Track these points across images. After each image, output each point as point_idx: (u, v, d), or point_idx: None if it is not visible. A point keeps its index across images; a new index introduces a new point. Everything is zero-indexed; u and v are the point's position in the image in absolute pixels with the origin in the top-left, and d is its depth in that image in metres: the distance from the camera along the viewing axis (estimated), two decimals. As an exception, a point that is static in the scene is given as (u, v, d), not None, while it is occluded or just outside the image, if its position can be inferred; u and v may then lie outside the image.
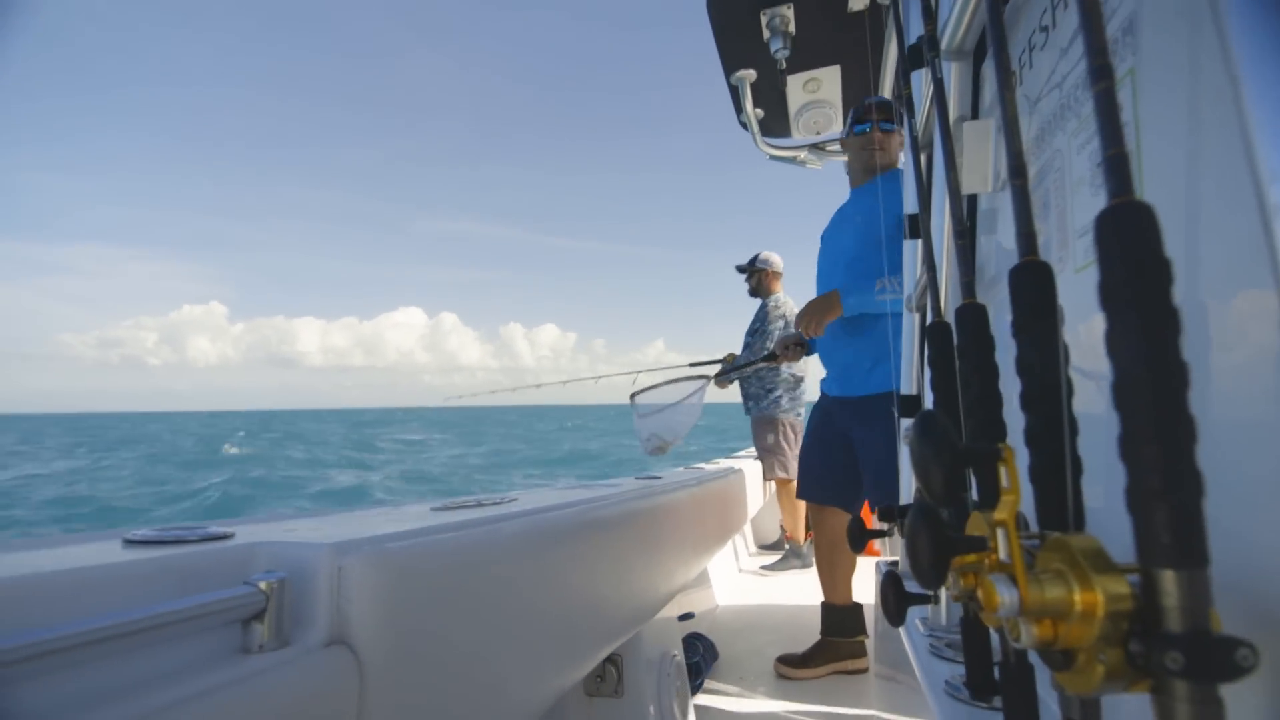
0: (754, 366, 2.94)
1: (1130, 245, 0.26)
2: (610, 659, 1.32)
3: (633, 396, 2.86)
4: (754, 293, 3.51)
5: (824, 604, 2.14)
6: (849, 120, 1.98)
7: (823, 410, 2.14)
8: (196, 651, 0.47)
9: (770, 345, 3.25)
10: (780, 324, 3.34)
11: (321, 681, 0.51)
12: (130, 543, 0.55)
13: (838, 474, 2.04)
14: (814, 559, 3.34)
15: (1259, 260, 0.29)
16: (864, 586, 2.23)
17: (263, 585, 0.51)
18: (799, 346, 2.31)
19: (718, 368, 3.21)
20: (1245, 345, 0.33)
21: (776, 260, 3.50)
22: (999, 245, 0.80)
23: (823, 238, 2.11)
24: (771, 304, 3.41)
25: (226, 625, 0.49)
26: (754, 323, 3.45)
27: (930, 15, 0.62)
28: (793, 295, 3.50)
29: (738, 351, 3.40)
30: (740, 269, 3.54)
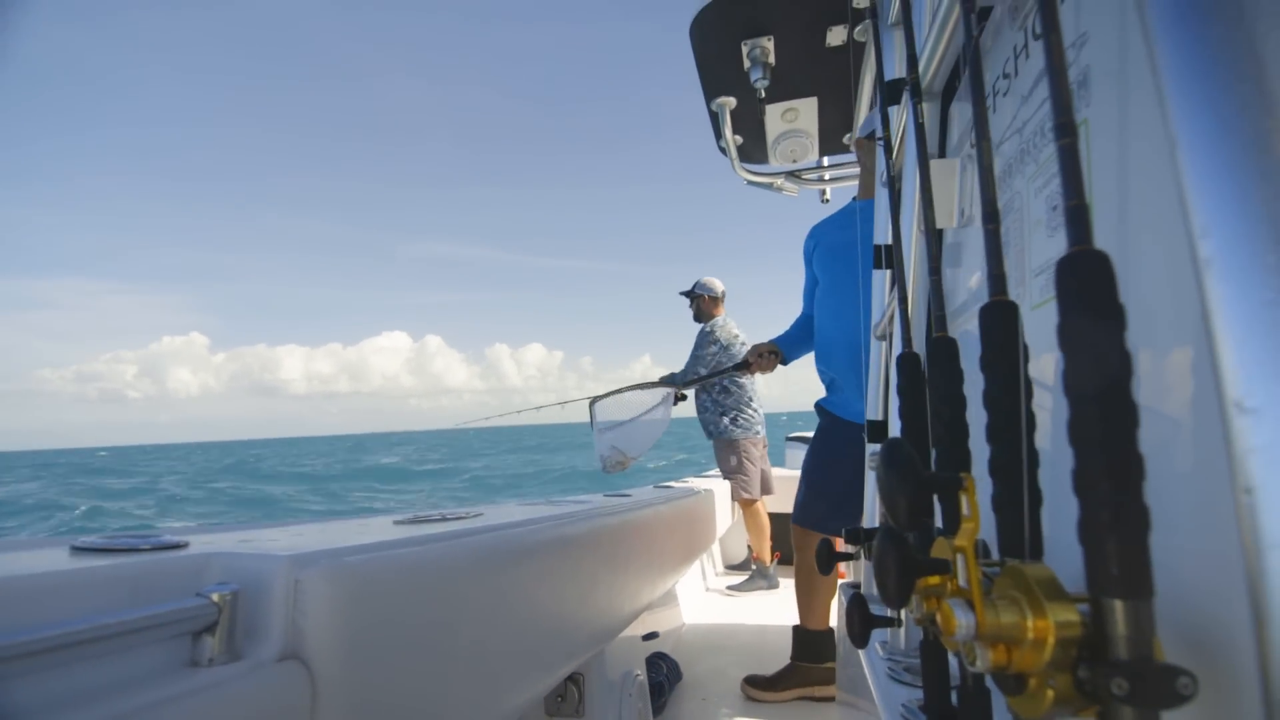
0: (725, 374, 2.91)
1: (1088, 292, 0.28)
2: (572, 678, 1.30)
3: (592, 403, 2.71)
4: (696, 317, 3.59)
5: (797, 628, 2.12)
6: (865, 123, 1.89)
7: (833, 435, 2.05)
8: (143, 664, 0.46)
9: (702, 370, 3.31)
10: (714, 349, 3.40)
11: (272, 698, 0.50)
12: (78, 550, 0.53)
13: (838, 500, 2.00)
14: (779, 580, 3.37)
15: (1190, 307, 0.31)
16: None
17: (215, 597, 0.49)
18: (773, 355, 2.32)
19: (684, 378, 3.24)
20: (1179, 390, 0.35)
21: (716, 285, 3.59)
22: (961, 279, 0.83)
23: (827, 242, 2.06)
24: (708, 329, 3.47)
25: (176, 638, 0.48)
26: (692, 349, 3.50)
27: (913, 60, 0.65)
28: (787, 299, 3.46)
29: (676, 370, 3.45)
30: (684, 294, 3.66)
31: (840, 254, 2.00)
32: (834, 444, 2.05)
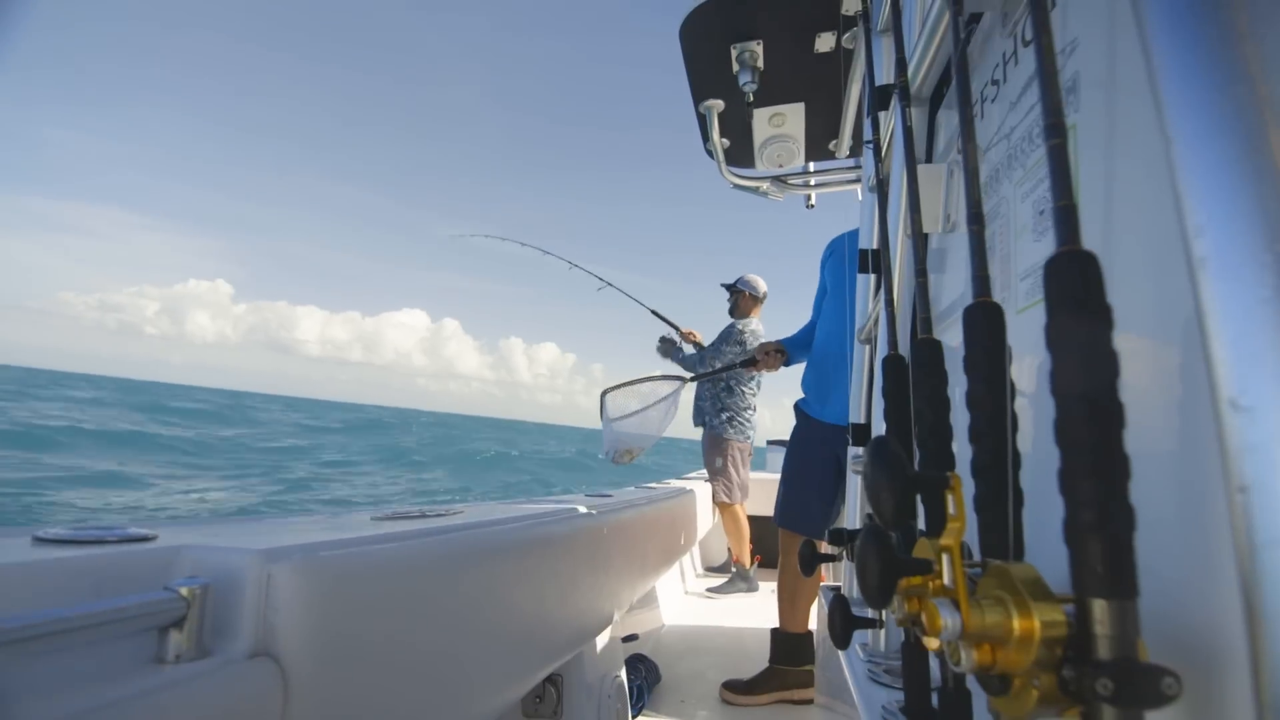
0: (731, 369, 2.93)
1: (1075, 292, 0.28)
2: (550, 679, 1.29)
3: (604, 394, 2.70)
4: (731, 312, 3.53)
5: (776, 630, 2.13)
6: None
7: (809, 434, 2.11)
8: (107, 660, 0.44)
9: (717, 364, 3.32)
10: (736, 349, 3.38)
11: (242, 696, 0.48)
12: (41, 541, 0.51)
13: (823, 503, 2.03)
14: (759, 583, 3.38)
15: (1182, 307, 0.31)
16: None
17: (184, 591, 0.48)
18: (778, 354, 2.34)
19: (692, 372, 3.28)
20: (1166, 390, 0.35)
21: (759, 285, 3.51)
22: (947, 283, 0.83)
23: (840, 252, 2.09)
24: (737, 327, 3.44)
25: (142, 632, 0.46)
26: (715, 339, 3.48)
27: (902, 66, 0.65)
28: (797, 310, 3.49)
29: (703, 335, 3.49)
30: (725, 286, 3.58)
31: (849, 261, 2.04)
32: (807, 444, 2.11)
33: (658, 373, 2.84)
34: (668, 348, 3.50)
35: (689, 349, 3.51)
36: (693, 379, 2.93)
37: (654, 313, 3.59)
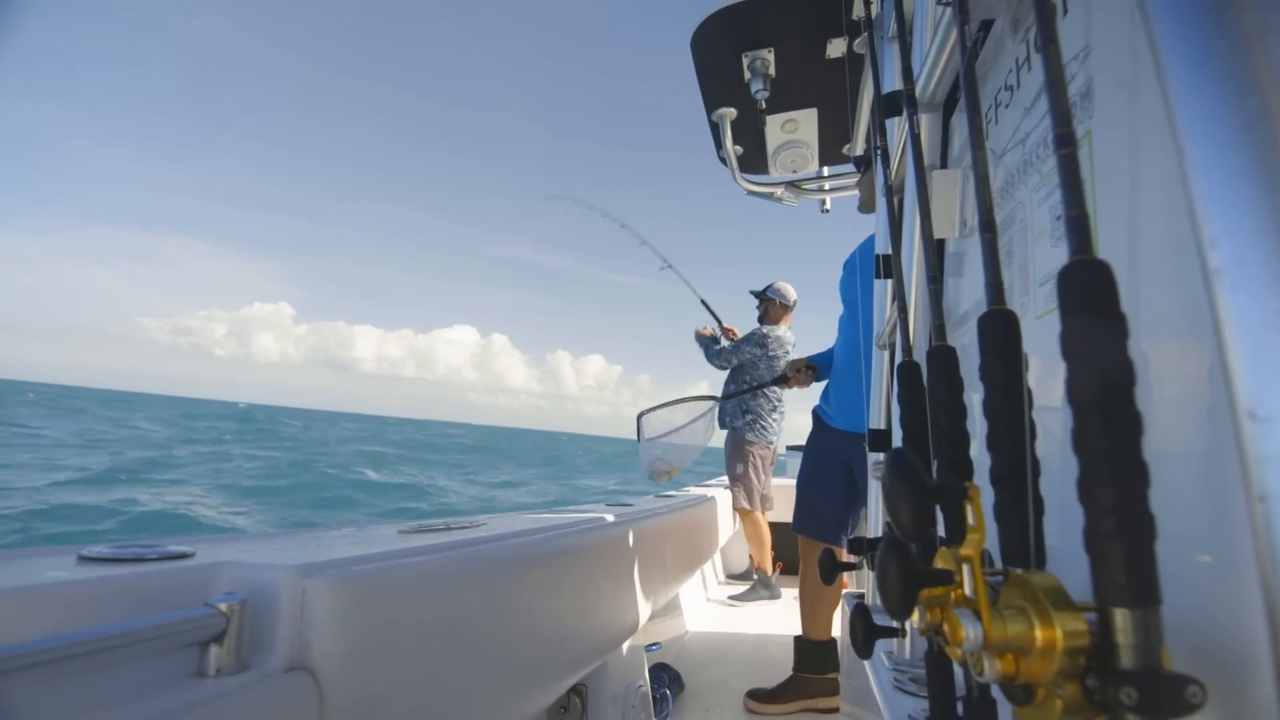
0: (763, 387, 2.95)
1: (1090, 300, 0.28)
2: (575, 689, 1.29)
3: (640, 416, 2.76)
4: (761, 320, 3.52)
5: (799, 638, 2.12)
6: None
7: (824, 441, 2.12)
8: (150, 674, 0.46)
9: (734, 360, 3.33)
10: (756, 351, 3.37)
11: (279, 709, 0.50)
12: (85, 559, 0.53)
13: (837, 509, 2.04)
14: (781, 590, 3.35)
15: (1200, 317, 0.31)
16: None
17: (223, 607, 0.49)
18: (810, 370, 2.34)
19: (711, 361, 3.33)
20: (1190, 398, 0.35)
21: (788, 293, 3.49)
22: (965, 288, 0.83)
23: (850, 262, 2.09)
24: (762, 331, 3.42)
25: (183, 648, 0.48)
26: (739, 339, 3.48)
27: (908, 73, 0.65)
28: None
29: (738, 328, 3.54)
30: (754, 293, 3.58)
31: (852, 266, 2.05)
32: (822, 450, 2.12)
33: (692, 394, 2.90)
34: (702, 338, 3.56)
35: (723, 342, 3.53)
36: (725, 398, 2.97)
37: (703, 303, 3.66)
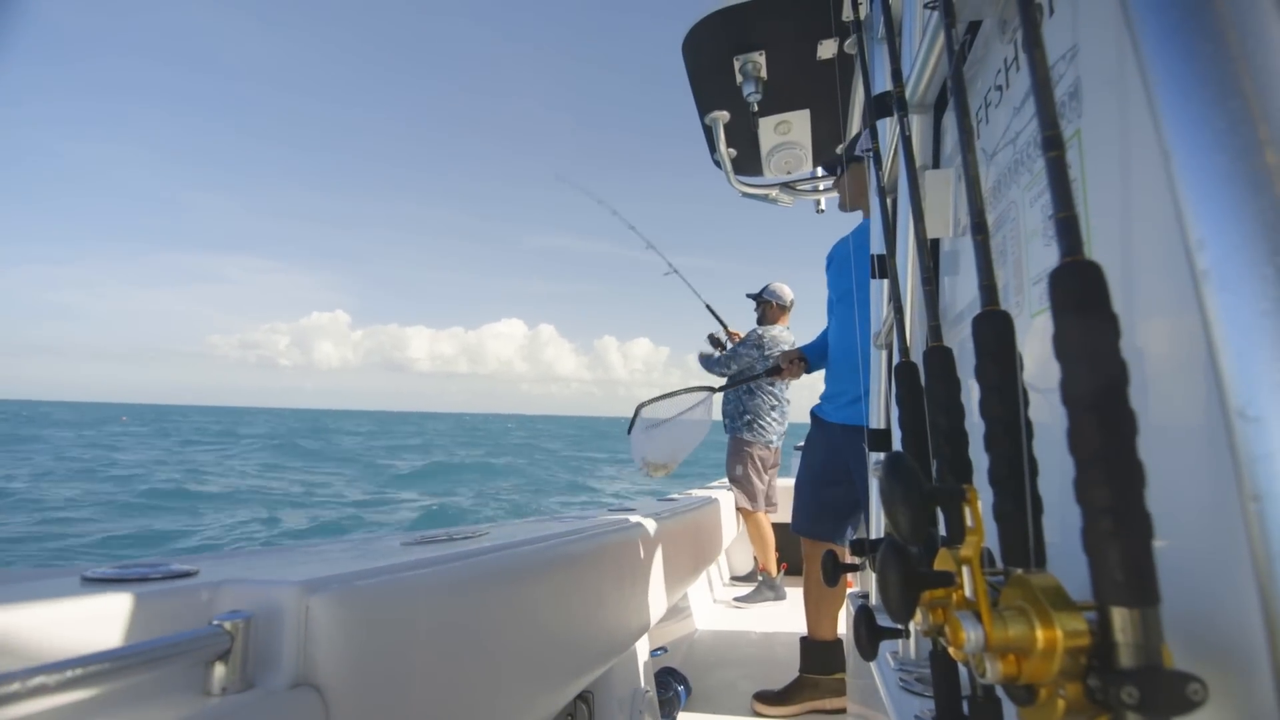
0: (758, 379, 2.93)
1: (1081, 301, 0.28)
2: (581, 696, 1.29)
3: (639, 408, 2.70)
4: (759, 321, 3.52)
5: (805, 639, 2.12)
6: (855, 145, 1.93)
7: (820, 440, 2.13)
8: (156, 694, 0.46)
9: (735, 367, 3.33)
10: (754, 353, 3.36)
11: None
12: (89, 580, 0.53)
13: (838, 509, 2.03)
14: (786, 591, 3.35)
15: (1191, 317, 0.31)
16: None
17: (228, 625, 0.49)
18: (800, 361, 2.33)
19: (713, 371, 3.32)
20: (1185, 397, 0.35)
21: (784, 293, 3.49)
22: (961, 287, 0.83)
23: (832, 259, 2.12)
24: (757, 333, 3.42)
25: (189, 667, 0.48)
26: (737, 344, 3.48)
27: (898, 75, 0.66)
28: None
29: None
30: (750, 296, 3.58)
31: (844, 266, 2.06)
32: (820, 449, 2.12)
33: (692, 384, 2.86)
34: (711, 343, 3.57)
35: (715, 350, 3.53)
36: (720, 389, 2.94)
37: (708, 307, 3.65)
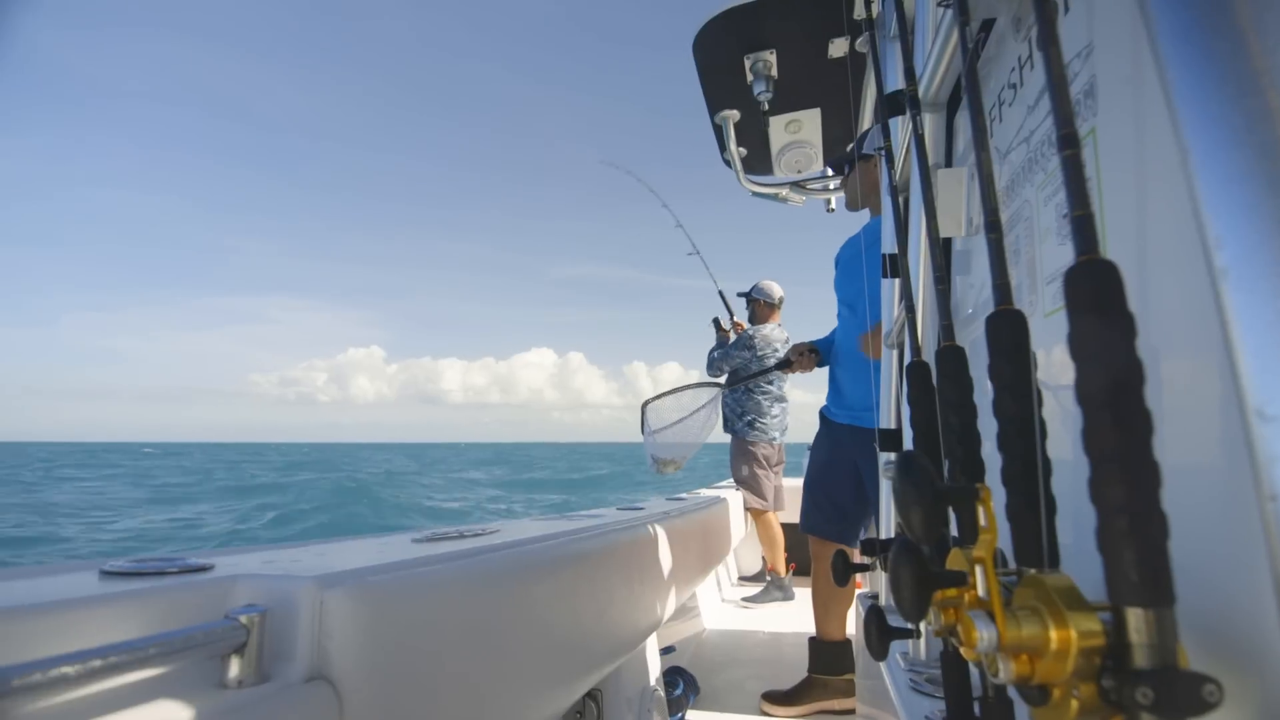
0: (768, 372, 2.92)
1: (1096, 300, 0.28)
2: (590, 694, 1.29)
3: (645, 405, 2.71)
4: (750, 320, 3.54)
5: (813, 640, 2.11)
6: (863, 143, 1.95)
7: (828, 439, 2.13)
8: (173, 686, 0.46)
9: (725, 367, 3.34)
10: (746, 354, 3.37)
11: (301, 718, 0.50)
12: (107, 574, 0.54)
13: (845, 508, 2.03)
14: (795, 591, 3.33)
15: (1208, 316, 0.31)
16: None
17: (243, 619, 0.50)
18: (812, 354, 2.32)
19: (712, 369, 3.33)
20: (1202, 397, 0.35)
21: (773, 291, 3.51)
22: (973, 286, 0.83)
23: (840, 259, 2.11)
24: (749, 333, 3.43)
25: (205, 660, 0.48)
26: (730, 345, 3.48)
27: (910, 74, 0.65)
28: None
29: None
30: (741, 295, 3.59)
31: (850, 268, 2.07)
32: (827, 449, 2.12)
33: (695, 380, 2.87)
34: (715, 325, 3.59)
35: (715, 353, 3.54)
36: (728, 385, 2.94)
37: (720, 294, 3.68)
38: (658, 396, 2.74)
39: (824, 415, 2.17)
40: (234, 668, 0.49)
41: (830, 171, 2.38)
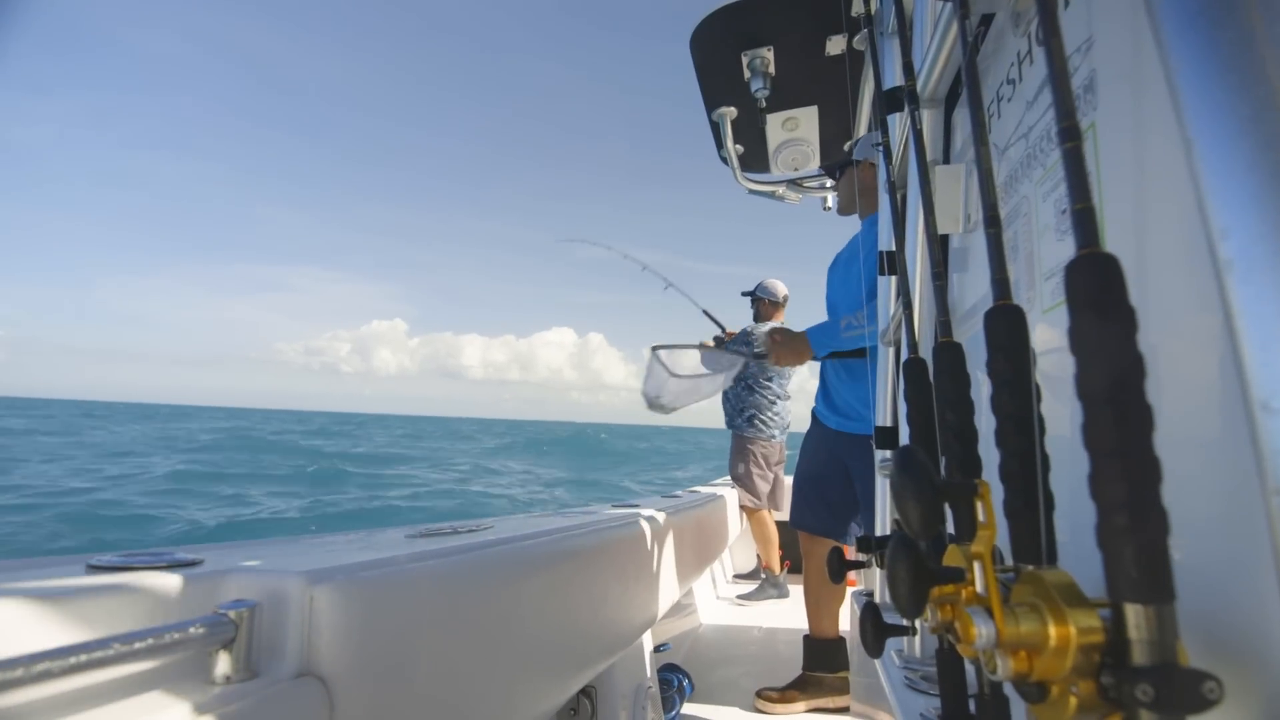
0: (756, 357, 2.88)
1: (1097, 294, 0.28)
2: (584, 691, 1.29)
3: (655, 348, 2.61)
4: (754, 319, 3.54)
5: (807, 637, 2.12)
6: (856, 146, 1.95)
7: (819, 439, 2.13)
8: (161, 681, 0.46)
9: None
10: (744, 349, 3.38)
11: (289, 714, 0.50)
12: (94, 568, 0.54)
13: (834, 505, 2.04)
14: (789, 589, 3.34)
15: (1211, 308, 0.31)
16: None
17: (232, 614, 0.49)
18: (788, 338, 2.30)
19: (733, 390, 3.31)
20: (1203, 391, 0.34)
21: (777, 289, 3.51)
22: (970, 283, 0.83)
23: (836, 264, 2.11)
24: (747, 329, 3.44)
25: (194, 655, 0.48)
26: (730, 340, 3.49)
27: (909, 70, 0.65)
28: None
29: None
30: (745, 294, 3.59)
31: (845, 275, 2.07)
32: (816, 447, 2.13)
33: (710, 342, 2.82)
34: (716, 344, 3.59)
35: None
36: (754, 357, 2.87)
37: (705, 312, 3.67)
38: (668, 346, 2.62)
39: (814, 415, 2.18)
40: (222, 663, 0.48)
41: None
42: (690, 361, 2.66)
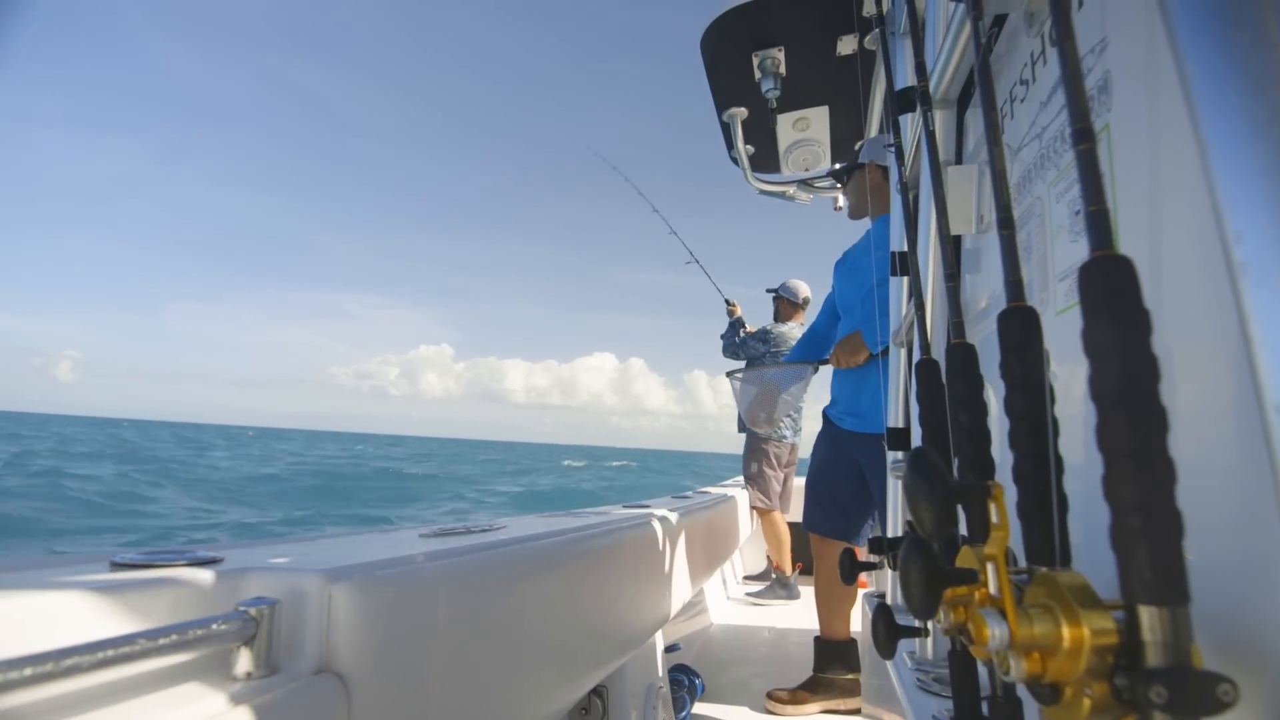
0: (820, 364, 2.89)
1: (1111, 296, 0.28)
2: (595, 690, 1.30)
3: (730, 375, 2.64)
4: (775, 317, 3.56)
5: (818, 639, 2.11)
6: (862, 149, 1.95)
7: (832, 441, 2.12)
8: (182, 677, 0.47)
9: (743, 355, 3.38)
10: (761, 348, 3.39)
11: (309, 711, 0.50)
12: (117, 565, 0.55)
13: (846, 506, 2.03)
14: (800, 590, 3.33)
15: (1225, 312, 0.31)
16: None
17: (253, 611, 0.50)
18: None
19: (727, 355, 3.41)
20: (1217, 393, 0.34)
21: (799, 290, 3.52)
22: (983, 284, 0.82)
23: (844, 265, 2.11)
24: (766, 327, 3.46)
25: (215, 652, 0.49)
26: (750, 335, 3.49)
27: (922, 69, 0.65)
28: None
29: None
30: (769, 291, 3.61)
31: (846, 268, 2.09)
32: (830, 448, 2.12)
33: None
34: (732, 323, 3.62)
35: (741, 334, 3.56)
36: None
37: (727, 301, 3.69)
38: (739, 370, 2.65)
39: (827, 416, 2.17)
40: (243, 660, 0.49)
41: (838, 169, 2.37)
42: (762, 378, 2.69)
